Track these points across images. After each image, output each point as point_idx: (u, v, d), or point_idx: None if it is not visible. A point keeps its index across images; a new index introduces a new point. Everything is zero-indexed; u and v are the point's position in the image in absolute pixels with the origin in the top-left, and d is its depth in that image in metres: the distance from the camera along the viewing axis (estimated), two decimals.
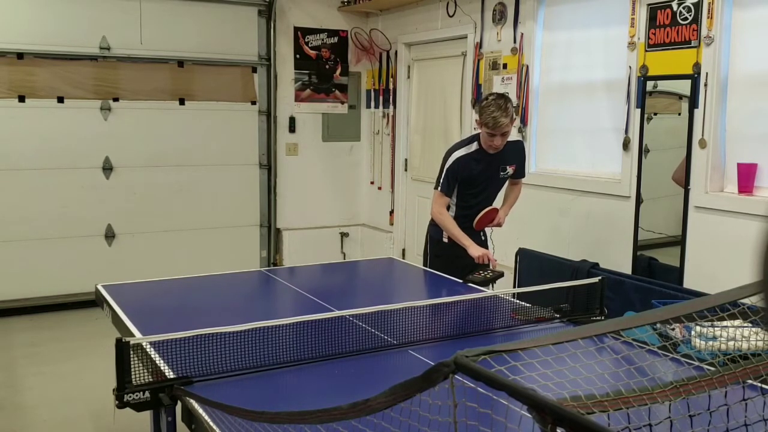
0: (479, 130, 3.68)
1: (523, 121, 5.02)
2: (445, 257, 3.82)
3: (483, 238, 3.96)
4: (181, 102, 6.15)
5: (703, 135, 3.77)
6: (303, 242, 6.73)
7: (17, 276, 5.63)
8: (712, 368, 1.39)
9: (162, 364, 2.26)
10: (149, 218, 6.09)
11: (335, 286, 3.94)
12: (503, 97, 3.63)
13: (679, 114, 4.01)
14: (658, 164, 4.16)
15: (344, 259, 6.85)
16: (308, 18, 6.63)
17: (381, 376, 2.39)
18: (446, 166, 3.72)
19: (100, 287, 3.37)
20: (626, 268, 4.19)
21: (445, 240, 3.82)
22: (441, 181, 3.72)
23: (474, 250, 3.64)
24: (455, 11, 5.70)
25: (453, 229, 3.72)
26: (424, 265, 3.98)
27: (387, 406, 1.20)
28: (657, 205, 4.21)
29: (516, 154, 3.85)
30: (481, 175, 3.73)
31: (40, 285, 5.70)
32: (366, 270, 4.47)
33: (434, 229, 3.90)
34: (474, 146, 3.73)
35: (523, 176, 4.01)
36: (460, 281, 3.55)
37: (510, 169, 3.82)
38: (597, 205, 4.46)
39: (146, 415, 2.46)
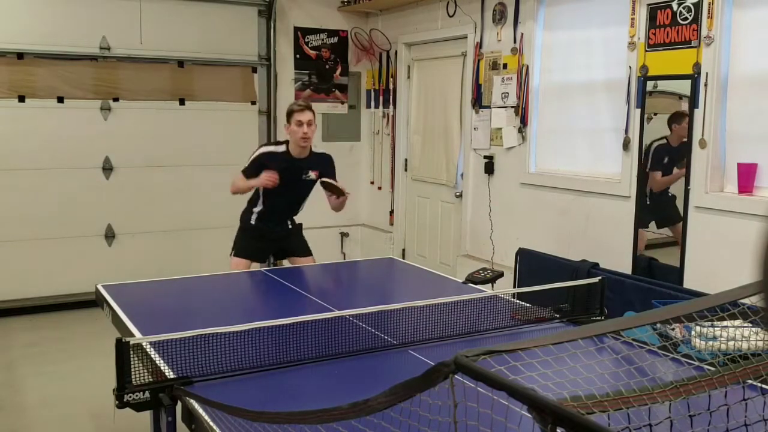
0: (291, 129, 4.06)
1: (523, 121, 5.02)
2: (252, 230, 4.22)
3: (290, 226, 4.33)
4: (181, 102, 6.15)
5: (703, 135, 3.77)
6: None
7: (17, 276, 5.62)
8: (712, 368, 1.39)
9: (162, 364, 2.26)
10: (149, 218, 6.09)
11: (335, 286, 3.95)
12: None
13: None
14: None
15: (344, 259, 6.85)
16: (308, 18, 6.63)
17: (381, 376, 2.39)
18: (253, 156, 4.15)
19: (100, 287, 3.37)
20: (626, 268, 4.19)
21: (252, 223, 4.22)
22: (246, 166, 4.13)
23: (258, 181, 4.02)
24: (455, 11, 5.70)
25: (243, 183, 4.11)
26: (234, 245, 4.28)
27: (387, 406, 1.20)
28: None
29: (322, 162, 4.20)
30: (282, 174, 4.03)
31: (40, 285, 5.69)
32: (366, 270, 4.47)
33: (244, 216, 4.29)
34: (282, 148, 4.13)
35: None
36: (461, 281, 3.55)
37: (312, 174, 4.14)
38: (597, 205, 4.46)
39: (146, 415, 2.46)
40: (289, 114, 4.08)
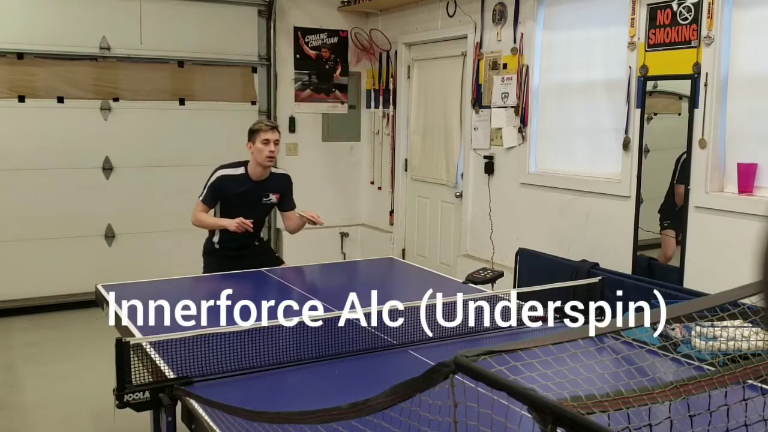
0: (255, 147, 3.91)
1: (523, 121, 5.02)
2: (218, 255, 4.03)
3: (256, 244, 4.12)
4: (181, 102, 6.15)
5: (703, 135, 3.77)
6: (303, 242, 6.72)
7: (17, 276, 5.62)
8: (712, 368, 1.39)
9: (162, 364, 2.26)
10: (149, 218, 6.09)
11: (335, 286, 3.94)
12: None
13: (679, 114, 4.01)
14: (658, 164, 4.16)
15: (344, 259, 6.85)
16: (308, 18, 6.63)
17: (381, 376, 2.39)
18: (210, 181, 3.97)
19: (100, 287, 3.37)
20: (626, 268, 4.19)
21: (217, 247, 4.04)
22: (204, 192, 3.97)
23: (229, 224, 3.85)
24: (455, 11, 5.70)
25: (211, 220, 4.00)
26: (203, 270, 4.11)
27: (387, 406, 1.20)
28: (657, 205, 4.21)
29: (282, 183, 4.09)
30: (241, 198, 3.94)
31: (40, 285, 5.69)
32: (366, 270, 4.47)
33: (207, 244, 4.12)
34: (240, 170, 3.97)
35: (293, 207, 4.15)
36: (461, 281, 3.55)
37: (273, 197, 4.05)
38: (597, 205, 4.46)
39: (146, 415, 2.46)
40: (255, 132, 3.93)
